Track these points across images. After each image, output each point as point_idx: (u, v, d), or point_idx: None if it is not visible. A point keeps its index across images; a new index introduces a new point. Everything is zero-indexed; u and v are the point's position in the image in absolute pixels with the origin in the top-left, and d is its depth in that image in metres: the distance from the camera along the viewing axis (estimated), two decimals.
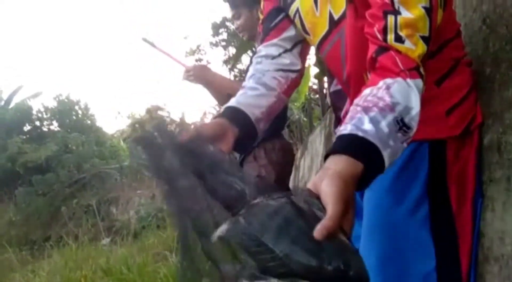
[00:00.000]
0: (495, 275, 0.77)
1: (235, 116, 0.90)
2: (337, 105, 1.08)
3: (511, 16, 0.87)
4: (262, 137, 1.94)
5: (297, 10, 1.00)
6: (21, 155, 11.83)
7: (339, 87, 1.03)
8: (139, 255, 4.76)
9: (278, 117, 2.05)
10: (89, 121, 14.24)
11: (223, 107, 0.94)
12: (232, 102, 0.94)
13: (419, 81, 0.76)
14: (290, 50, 1.04)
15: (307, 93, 6.37)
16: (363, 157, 0.66)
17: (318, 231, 0.53)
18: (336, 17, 0.93)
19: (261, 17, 1.10)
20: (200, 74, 1.85)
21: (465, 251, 0.86)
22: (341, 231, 0.54)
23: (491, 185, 0.82)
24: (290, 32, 1.05)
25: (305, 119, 7.58)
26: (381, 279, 0.90)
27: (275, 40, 1.04)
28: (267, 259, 0.49)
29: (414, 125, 0.73)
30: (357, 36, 0.89)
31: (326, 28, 0.95)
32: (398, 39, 0.77)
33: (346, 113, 1.02)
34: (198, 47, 9.76)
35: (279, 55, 1.03)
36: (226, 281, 0.52)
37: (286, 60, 1.03)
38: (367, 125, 0.69)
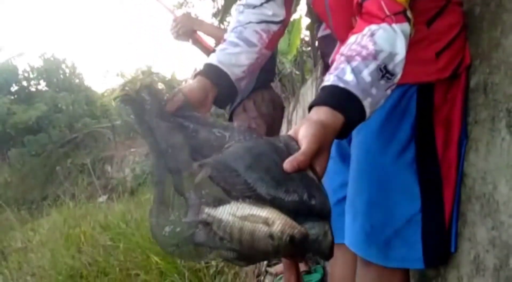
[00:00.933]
0: (477, 213, 0.80)
1: (216, 76, 0.90)
2: (325, 51, 1.07)
3: None
4: (251, 89, 1.92)
5: None
6: (10, 116, 11.70)
7: (327, 31, 1.01)
8: (136, 211, 4.85)
9: (267, 69, 2.02)
10: (77, 80, 14.00)
11: (204, 63, 0.93)
12: (214, 60, 0.92)
13: (406, 26, 0.74)
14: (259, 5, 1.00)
15: (298, 46, 6.24)
16: (343, 108, 0.68)
17: (288, 163, 0.56)
18: None
19: None
20: (186, 23, 1.79)
21: (449, 193, 0.88)
22: (312, 170, 0.57)
23: (475, 126, 0.83)
24: None
25: (297, 72, 7.49)
26: (368, 222, 0.92)
27: None
28: (236, 183, 0.52)
29: (399, 71, 0.73)
30: None
31: None
32: None
33: (334, 60, 1.01)
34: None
35: (261, 4, 0.99)
36: (191, 210, 0.54)
37: (268, 10, 0.99)
38: (349, 76, 0.70)
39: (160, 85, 14.56)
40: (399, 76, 0.74)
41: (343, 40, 0.95)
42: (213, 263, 2.78)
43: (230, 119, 2.00)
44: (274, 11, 1.00)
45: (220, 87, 0.90)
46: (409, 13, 0.75)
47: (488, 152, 0.77)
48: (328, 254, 0.53)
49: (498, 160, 0.74)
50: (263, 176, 0.53)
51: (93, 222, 4.58)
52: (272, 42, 1.01)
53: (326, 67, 1.07)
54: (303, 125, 0.63)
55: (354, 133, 0.96)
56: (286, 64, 7.45)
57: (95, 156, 10.25)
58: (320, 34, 1.05)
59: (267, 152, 0.56)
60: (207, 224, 0.53)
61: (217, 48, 0.95)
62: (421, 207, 0.88)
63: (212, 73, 0.90)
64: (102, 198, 7.75)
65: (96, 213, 5.16)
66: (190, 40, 1.85)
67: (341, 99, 0.69)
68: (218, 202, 0.53)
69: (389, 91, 0.73)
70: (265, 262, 2.45)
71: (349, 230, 0.97)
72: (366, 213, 0.92)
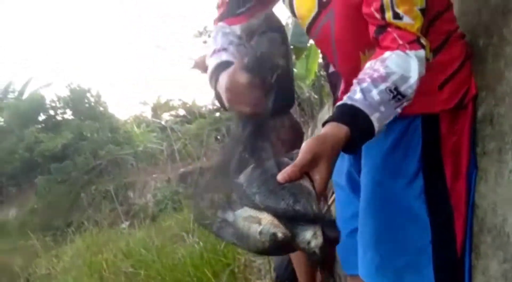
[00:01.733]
0: (489, 245, 0.79)
1: None
2: (335, 85, 1.09)
3: None
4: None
5: None
6: (38, 144, 12.09)
7: (333, 69, 1.04)
8: (157, 237, 4.89)
9: (286, 95, 2.06)
10: (101, 109, 14.39)
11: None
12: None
13: (421, 52, 0.78)
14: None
15: (316, 70, 6.30)
16: (347, 120, 0.73)
17: (281, 175, 0.65)
18: None
19: None
20: (201, 63, 1.87)
21: (460, 224, 0.88)
22: (308, 179, 0.65)
23: (484, 157, 0.83)
24: (251, 24, 1.04)
25: (315, 96, 7.53)
26: (379, 254, 0.92)
27: (236, 27, 1.03)
28: (242, 195, 0.65)
29: (410, 92, 0.77)
30: (348, 15, 0.89)
31: (315, 9, 0.95)
32: (396, 16, 0.79)
33: (342, 93, 1.03)
34: (204, 28, 9.66)
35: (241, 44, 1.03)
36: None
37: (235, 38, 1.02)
38: (357, 95, 0.75)
39: (182, 111, 14.91)
40: (410, 97, 0.78)
41: (347, 77, 0.98)
42: None
43: None
44: None
45: None
46: (423, 40, 0.79)
47: (497, 183, 0.77)
48: (318, 254, 0.60)
49: (506, 192, 0.74)
50: (260, 189, 0.64)
51: (115, 249, 4.63)
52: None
53: (335, 100, 1.09)
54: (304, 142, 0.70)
55: (363, 164, 0.98)
56: (304, 88, 7.51)
57: (118, 182, 10.43)
58: (330, 70, 1.07)
59: (270, 168, 0.67)
60: (227, 221, 0.65)
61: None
62: (431, 238, 0.88)
63: None
64: (125, 224, 7.84)
65: (118, 240, 5.23)
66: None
67: (346, 113, 0.74)
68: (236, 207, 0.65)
69: (399, 110, 0.77)
70: None
71: (361, 261, 0.97)
72: (375, 244, 0.92)
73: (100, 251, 4.71)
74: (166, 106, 15.65)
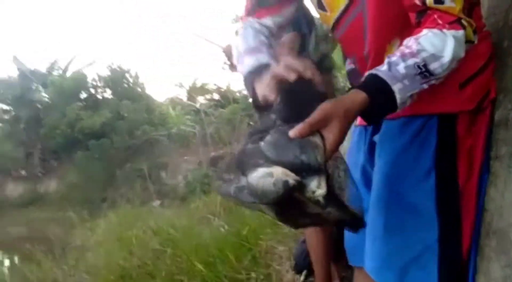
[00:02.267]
0: (493, 248, 0.80)
1: None
2: (353, 83, 1.10)
3: None
4: None
5: None
6: (78, 121, 12.60)
7: (351, 66, 1.05)
8: (185, 218, 5.03)
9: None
10: (139, 89, 14.77)
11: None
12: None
13: (460, 32, 0.78)
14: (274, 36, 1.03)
15: None
16: (366, 86, 0.74)
17: (292, 131, 0.69)
18: None
19: None
20: (227, 51, 1.91)
21: (468, 225, 0.88)
22: (319, 136, 0.69)
23: (496, 161, 0.83)
24: (282, 16, 1.04)
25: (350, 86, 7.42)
26: (386, 248, 0.94)
27: (266, 19, 1.03)
28: (259, 156, 0.69)
29: (440, 72, 0.77)
30: (382, 5, 0.89)
31: (346, 1, 0.95)
32: (437, 0, 0.79)
33: None
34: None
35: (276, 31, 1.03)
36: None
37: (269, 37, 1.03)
38: (384, 67, 0.76)
39: (216, 95, 15.07)
40: (439, 76, 0.78)
41: (373, 66, 0.98)
42: (253, 275, 2.83)
43: None
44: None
45: None
46: (464, 21, 0.79)
47: (506, 188, 0.77)
48: (323, 203, 0.64)
49: None
50: (273, 146, 0.68)
51: (145, 226, 4.81)
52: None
53: None
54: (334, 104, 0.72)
55: (377, 159, 0.99)
56: (340, 78, 7.41)
57: (152, 162, 10.74)
58: (346, 68, 1.08)
59: (285, 130, 0.70)
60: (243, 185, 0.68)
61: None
62: (438, 236, 0.88)
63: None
64: (156, 203, 8.11)
65: (148, 217, 5.42)
66: None
67: (366, 81, 0.76)
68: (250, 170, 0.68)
69: (425, 85, 0.77)
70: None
71: (368, 254, 0.99)
72: (384, 238, 0.94)
73: (131, 227, 4.90)
74: (202, 90, 15.83)
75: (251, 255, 3.16)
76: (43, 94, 15.20)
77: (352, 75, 1.07)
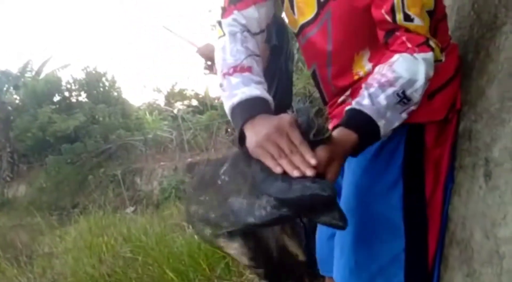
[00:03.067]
0: (456, 258, 0.80)
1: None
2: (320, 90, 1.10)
3: (499, 2, 0.86)
4: None
5: None
6: (51, 124, 12.27)
7: (313, 70, 1.05)
8: (158, 225, 4.94)
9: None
10: (115, 93, 14.53)
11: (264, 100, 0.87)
12: (270, 100, 0.88)
13: (429, 54, 0.80)
14: (256, 34, 1.01)
15: None
16: (356, 126, 0.77)
17: (308, 170, 0.71)
18: None
19: None
20: (205, 51, 1.89)
21: (434, 235, 0.89)
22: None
23: (460, 171, 0.84)
24: (266, 7, 1.02)
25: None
26: (354, 258, 0.94)
27: (251, 9, 1.00)
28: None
29: (417, 96, 0.80)
30: (351, 16, 0.90)
31: (315, 9, 0.96)
32: (407, 18, 0.80)
33: (330, 106, 1.04)
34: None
35: (257, 33, 1.01)
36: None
37: (255, 45, 1.01)
38: (365, 100, 0.78)
39: (194, 101, 14.97)
40: (416, 101, 0.80)
41: (336, 80, 0.99)
42: None
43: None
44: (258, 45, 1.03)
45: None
46: (431, 42, 0.81)
47: (468, 198, 0.78)
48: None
49: (475, 207, 0.75)
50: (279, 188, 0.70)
51: (116, 233, 4.70)
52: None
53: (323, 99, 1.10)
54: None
55: (346, 168, 0.99)
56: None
57: (126, 167, 10.53)
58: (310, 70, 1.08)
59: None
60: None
61: (256, 83, 0.91)
62: (405, 246, 0.89)
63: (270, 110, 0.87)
64: (129, 209, 7.94)
65: (120, 224, 5.29)
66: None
67: (355, 119, 0.78)
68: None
69: (404, 115, 0.80)
70: None
71: (336, 264, 0.99)
72: (351, 249, 0.94)
73: (102, 234, 4.78)
74: (179, 95, 15.71)
75: (224, 263, 3.13)
76: (15, 96, 14.77)
77: (314, 78, 1.07)
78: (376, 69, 0.82)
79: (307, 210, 0.69)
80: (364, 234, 0.94)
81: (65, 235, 5.61)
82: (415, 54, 0.79)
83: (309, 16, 0.97)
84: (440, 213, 0.89)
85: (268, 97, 0.87)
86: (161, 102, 16.10)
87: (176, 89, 15.73)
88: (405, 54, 0.80)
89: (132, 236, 4.50)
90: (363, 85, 0.81)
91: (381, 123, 0.77)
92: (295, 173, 0.70)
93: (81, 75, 14.37)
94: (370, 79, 0.81)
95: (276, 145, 0.74)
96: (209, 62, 1.97)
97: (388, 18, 0.81)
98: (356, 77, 0.96)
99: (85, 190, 10.09)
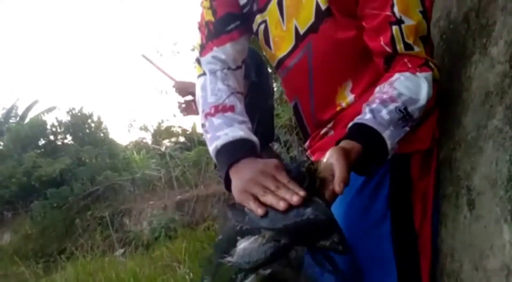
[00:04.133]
0: None
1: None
2: (303, 126, 1.10)
3: (465, 32, 0.89)
4: None
5: (264, 22, 1.01)
6: (36, 168, 12.05)
7: (294, 103, 1.06)
8: (148, 267, 4.80)
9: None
10: (102, 134, 14.44)
11: (248, 141, 0.87)
12: (255, 140, 0.88)
13: (429, 74, 0.81)
14: (235, 69, 1.03)
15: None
16: (355, 136, 0.74)
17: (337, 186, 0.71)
18: (301, 31, 0.94)
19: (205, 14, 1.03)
20: (182, 88, 1.91)
21: (426, 268, 0.87)
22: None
23: (444, 200, 0.83)
24: (241, 44, 1.03)
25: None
26: None
27: (228, 46, 1.01)
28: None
29: (418, 114, 0.79)
30: (334, 48, 0.91)
31: (293, 42, 0.97)
32: (408, 47, 0.82)
33: (312, 139, 1.04)
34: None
35: (236, 69, 1.03)
36: None
37: (236, 81, 1.02)
38: (367, 115, 0.77)
39: (182, 138, 14.92)
40: (416, 118, 0.79)
41: (319, 113, 0.99)
42: None
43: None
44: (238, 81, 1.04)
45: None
46: (431, 63, 0.82)
47: (454, 228, 0.77)
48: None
49: (462, 238, 0.74)
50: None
51: (104, 278, 4.53)
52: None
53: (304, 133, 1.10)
54: (329, 151, 0.71)
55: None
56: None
57: (115, 209, 10.30)
58: (292, 103, 1.09)
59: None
60: None
61: (241, 123, 0.92)
62: (397, 281, 0.87)
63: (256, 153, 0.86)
64: (119, 252, 7.70)
65: (110, 268, 5.12)
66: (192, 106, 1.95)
67: (357, 131, 0.75)
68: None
69: (407, 128, 0.78)
70: None
71: None
72: None
73: (90, 280, 4.62)
74: (166, 133, 15.66)
75: None
76: None
77: (296, 111, 1.07)
78: (377, 89, 0.82)
79: (306, 236, 0.65)
80: (355, 269, 0.91)
81: None
82: (417, 73, 0.80)
83: (286, 49, 0.98)
84: (431, 244, 0.88)
85: (253, 137, 0.86)
86: (149, 140, 16.02)
87: (163, 127, 15.70)
88: (406, 73, 0.81)
89: (122, 281, 4.36)
90: (364, 105, 0.80)
91: (385, 134, 0.75)
92: (281, 204, 0.65)
93: (66, 118, 14.30)
94: (371, 98, 0.81)
95: (261, 185, 0.71)
96: (186, 98, 1.99)
97: (388, 49, 0.83)
98: (338, 108, 0.96)
99: (72, 235, 9.80)
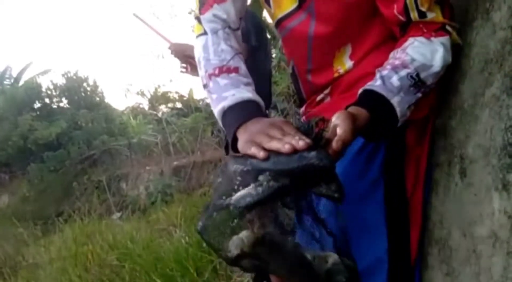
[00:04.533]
0: (435, 257, 0.79)
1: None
2: (298, 88, 1.08)
3: None
4: None
5: None
6: (32, 132, 12.03)
7: (291, 68, 1.03)
8: (145, 230, 4.89)
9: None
10: (97, 98, 14.32)
11: (256, 103, 0.85)
12: (261, 102, 0.86)
13: (446, 38, 0.78)
14: (235, 30, 0.99)
15: None
16: (363, 103, 0.72)
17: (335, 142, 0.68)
18: None
19: None
20: (178, 50, 1.86)
21: (415, 235, 0.88)
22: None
23: (436, 168, 0.83)
24: (240, 0, 0.98)
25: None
26: None
27: (229, 3, 0.96)
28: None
29: (432, 80, 0.76)
30: (339, 10, 0.87)
31: (296, 3, 0.93)
32: (422, 14, 0.79)
33: (308, 105, 1.02)
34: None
35: (236, 29, 0.99)
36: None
37: (236, 42, 0.98)
38: (377, 82, 0.74)
39: (179, 104, 14.85)
40: (432, 85, 0.77)
41: (315, 77, 0.97)
42: None
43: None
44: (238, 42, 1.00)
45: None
46: (448, 27, 0.79)
47: (445, 196, 0.77)
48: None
49: (452, 205, 0.74)
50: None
51: (102, 240, 4.62)
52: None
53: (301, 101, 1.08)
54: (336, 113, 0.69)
55: None
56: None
57: (111, 173, 10.38)
58: (292, 71, 1.06)
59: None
60: None
61: (245, 82, 0.89)
62: (387, 248, 0.88)
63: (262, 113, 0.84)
64: (116, 215, 7.83)
65: (106, 231, 5.22)
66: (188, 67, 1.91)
67: (364, 98, 0.73)
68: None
69: (419, 94, 0.76)
70: None
71: None
72: (334, 251, 0.93)
73: (87, 242, 4.71)
74: (163, 98, 15.55)
75: (211, 267, 3.10)
76: None
77: (293, 75, 1.05)
78: (391, 54, 0.80)
79: (306, 180, 0.64)
80: (349, 233, 0.93)
81: (50, 244, 5.50)
82: (431, 38, 0.77)
83: (287, 9, 0.94)
84: (421, 212, 0.88)
85: (259, 100, 0.85)
86: (145, 105, 15.93)
87: (160, 92, 15.58)
88: (420, 38, 0.78)
89: (118, 243, 4.44)
90: (376, 70, 0.78)
91: (394, 100, 0.72)
92: (286, 146, 0.64)
93: (61, 81, 14.13)
94: (384, 65, 0.78)
95: (267, 134, 0.69)
96: (183, 64, 1.94)
97: (401, 17, 0.80)
98: (336, 74, 0.94)
99: (70, 198, 9.92)
